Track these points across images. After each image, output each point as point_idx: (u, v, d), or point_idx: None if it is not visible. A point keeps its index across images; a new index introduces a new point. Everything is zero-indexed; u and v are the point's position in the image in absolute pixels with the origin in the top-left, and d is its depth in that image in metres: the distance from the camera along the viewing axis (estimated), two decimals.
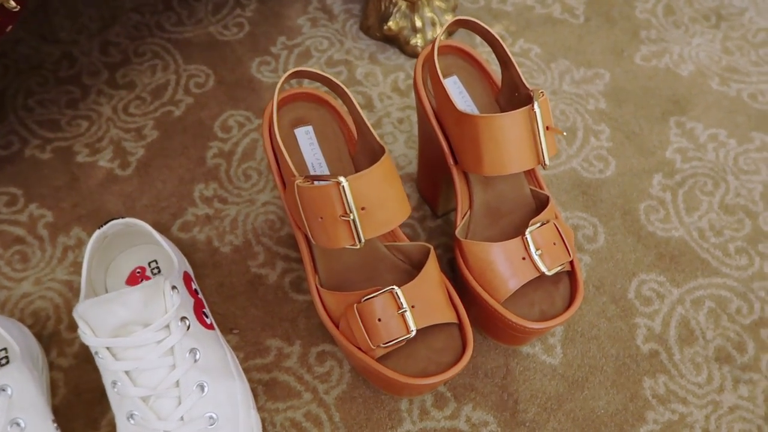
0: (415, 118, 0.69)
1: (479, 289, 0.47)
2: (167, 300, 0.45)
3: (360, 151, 0.50)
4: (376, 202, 0.41)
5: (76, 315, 0.43)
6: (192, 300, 0.50)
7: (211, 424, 0.44)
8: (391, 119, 0.69)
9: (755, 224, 0.62)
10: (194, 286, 0.53)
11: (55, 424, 0.46)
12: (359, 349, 0.44)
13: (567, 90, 0.72)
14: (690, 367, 0.53)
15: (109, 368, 0.44)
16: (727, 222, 0.62)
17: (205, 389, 0.45)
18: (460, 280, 0.50)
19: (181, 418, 0.44)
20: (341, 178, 0.40)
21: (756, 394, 0.52)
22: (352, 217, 0.40)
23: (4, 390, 0.43)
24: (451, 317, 0.45)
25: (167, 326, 0.45)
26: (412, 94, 0.71)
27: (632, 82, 0.74)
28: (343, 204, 0.40)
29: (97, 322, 0.42)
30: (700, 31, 0.80)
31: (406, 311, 0.43)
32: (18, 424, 0.42)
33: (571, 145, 0.67)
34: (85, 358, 0.52)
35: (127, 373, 0.44)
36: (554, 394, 0.51)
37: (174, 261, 0.51)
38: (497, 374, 0.52)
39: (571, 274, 0.49)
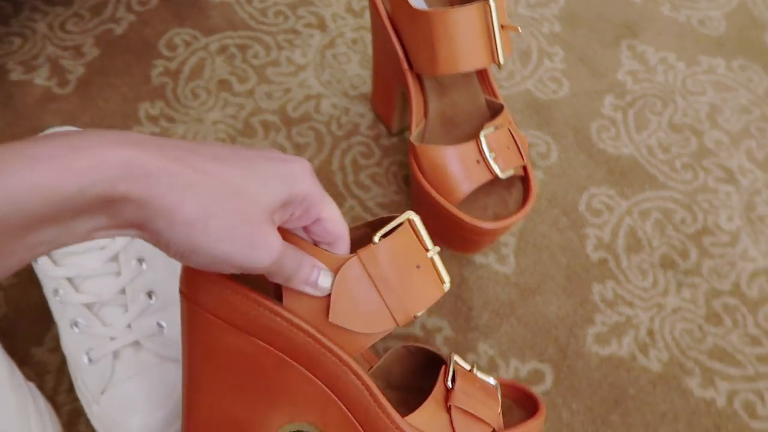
0: (369, 38, 0.67)
1: (433, 193, 0.47)
2: None
3: None
4: None
5: None
6: None
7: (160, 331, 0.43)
8: (345, 39, 0.67)
9: (701, 142, 0.63)
10: None
11: None
12: None
13: (522, 13, 0.72)
14: (636, 273, 0.54)
15: (48, 274, 0.42)
16: (675, 140, 0.63)
17: (153, 297, 0.44)
18: (415, 186, 0.49)
19: (129, 326, 0.43)
20: None
21: (697, 296, 0.54)
22: None
23: None
24: None
25: None
26: (366, 15, 0.69)
27: (586, 7, 0.74)
28: None
29: None
30: None
31: None
32: None
33: (525, 67, 0.67)
34: (28, 276, 0.50)
35: (69, 279, 0.42)
36: (507, 301, 0.52)
37: None
38: (452, 284, 0.52)
39: (524, 179, 0.49)
